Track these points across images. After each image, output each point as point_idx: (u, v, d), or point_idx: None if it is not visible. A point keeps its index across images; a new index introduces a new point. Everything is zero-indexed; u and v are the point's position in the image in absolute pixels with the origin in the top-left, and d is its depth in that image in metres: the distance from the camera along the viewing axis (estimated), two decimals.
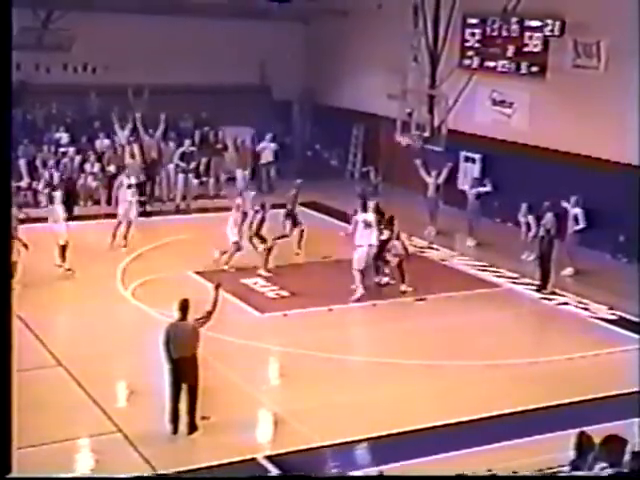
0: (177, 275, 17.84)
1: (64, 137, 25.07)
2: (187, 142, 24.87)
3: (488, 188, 21.84)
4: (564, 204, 19.33)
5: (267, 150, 26.24)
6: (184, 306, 11.58)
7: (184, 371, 11.53)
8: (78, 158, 24.33)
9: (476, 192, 21.61)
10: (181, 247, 19.81)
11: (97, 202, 23.85)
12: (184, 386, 11.57)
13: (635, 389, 12.97)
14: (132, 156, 23.80)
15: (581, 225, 19.14)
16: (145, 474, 10.44)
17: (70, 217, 19.20)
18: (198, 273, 18.08)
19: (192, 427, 11.60)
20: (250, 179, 25.31)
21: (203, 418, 11.82)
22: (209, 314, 11.65)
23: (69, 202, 21.10)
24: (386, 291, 17.61)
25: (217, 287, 11.95)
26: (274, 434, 12.21)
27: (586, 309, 17.33)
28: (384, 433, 11.75)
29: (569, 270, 19.06)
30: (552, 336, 16.67)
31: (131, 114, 25.59)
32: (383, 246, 17.56)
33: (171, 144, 25.14)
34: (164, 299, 16.51)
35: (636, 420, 7.93)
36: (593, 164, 20.53)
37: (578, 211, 19.16)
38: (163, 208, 23.80)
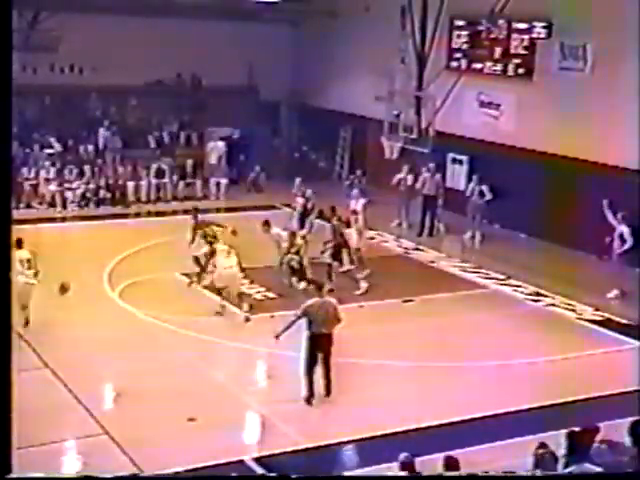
0: (164, 277, 17.81)
1: (50, 139, 24.97)
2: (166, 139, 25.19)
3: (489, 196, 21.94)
4: (611, 220, 18.11)
5: (215, 150, 26.20)
6: None
7: None
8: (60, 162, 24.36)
9: (485, 201, 21.69)
10: (168, 249, 19.76)
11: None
12: None
13: (621, 390, 13.10)
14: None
15: (628, 244, 17.92)
16: None
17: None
18: (185, 274, 18.05)
19: None
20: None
21: (190, 420, 11.82)
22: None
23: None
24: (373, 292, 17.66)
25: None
26: (261, 436, 12.20)
27: (572, 310, 17.40)
28: (370, 435, 11.75)
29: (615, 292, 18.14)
30: (540, 337, 16.65)
31: (118, 116, 25.63)
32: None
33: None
34: (151, 301, 16.56)
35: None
36: (579, 166, 20.58)
37: (625, 229, 17.90)
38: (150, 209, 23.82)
